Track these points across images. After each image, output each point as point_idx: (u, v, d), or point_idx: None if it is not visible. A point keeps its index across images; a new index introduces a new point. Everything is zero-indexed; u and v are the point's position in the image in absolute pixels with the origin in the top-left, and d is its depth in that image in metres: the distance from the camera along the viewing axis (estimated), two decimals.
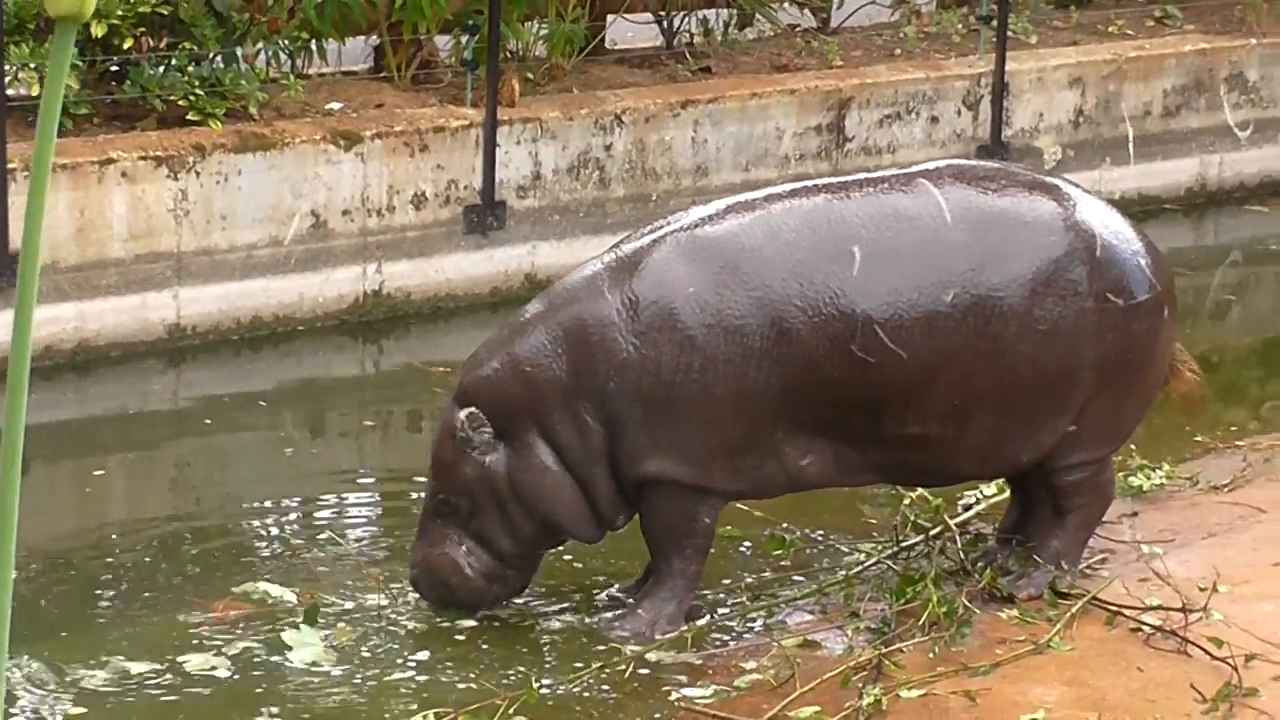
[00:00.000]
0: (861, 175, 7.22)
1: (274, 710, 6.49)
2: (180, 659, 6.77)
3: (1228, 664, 6.47)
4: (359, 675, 6.70)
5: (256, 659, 6.77)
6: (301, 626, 6.89)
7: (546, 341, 6.86)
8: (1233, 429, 9.14)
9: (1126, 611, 6.90)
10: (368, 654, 6.84)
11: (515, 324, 7.02)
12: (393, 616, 7.09)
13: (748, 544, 7.67)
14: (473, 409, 6.84)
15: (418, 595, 7.08)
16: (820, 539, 7.75)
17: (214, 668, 6.72)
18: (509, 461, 6.87)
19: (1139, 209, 12.52)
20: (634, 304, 6.82)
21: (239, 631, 6.96)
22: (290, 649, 6.80)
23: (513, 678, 6.65)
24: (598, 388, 6.80)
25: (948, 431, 6.89)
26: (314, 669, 6.71)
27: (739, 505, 7.39)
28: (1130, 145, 13.22)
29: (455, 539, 6.93)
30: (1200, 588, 6.94)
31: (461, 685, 6.64)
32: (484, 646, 6.90)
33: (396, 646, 6.89)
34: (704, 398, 6.78)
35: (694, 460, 6.83)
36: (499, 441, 6.88)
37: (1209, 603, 6.83)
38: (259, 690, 6.61)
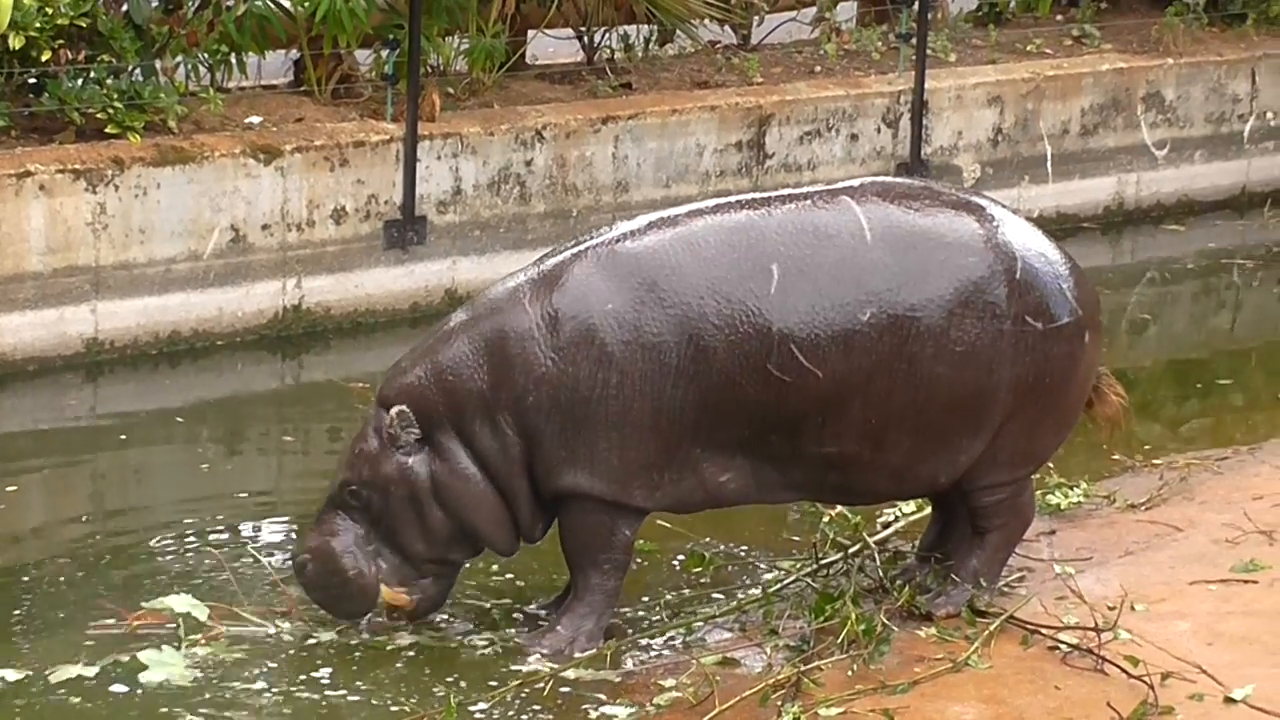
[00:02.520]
0: (785, 191, 7.22)
1: None
2: (71, 669, 6.75)
3: (1144, 682, 6.51)
4: (268, 694, 6.66)
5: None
6: (164, 647, 6.83)
7: (468, 351, 6.87)
8: (1147, 448, 9.20)
9: (1044, 630, 6.93)
10: (278, 672, 6.80)
11: (439, 333, 7.03)
12: (305, 634, 7.04)
13: (667, 560, 7.67)
14: (403, 408, 6.84)
15: (300, 584, 6.99)
16: (740, 556, 7.76)
17: (93, 679, 6.69)
18: (432, 464, 6.87)
19: (1057, 227, 12.60)
20: (554, 319, 6.82)
21: (142, 646, 6.91)
22: (146, 668, 6.74)
23: (431, 695, 6.62)
24: (517, 400, 6.81)
25: (865, 451, 6.91)
26: (224, 686, 6.66)
27: (659, 521, 7.40)
28: (1049, 164, 13.31)
29: (361, 534, 6.90)
30: (1111, 606, 6.98)
31: (376, 703, 6.61)
32: (400, 664, 6.87)
33: (308, 665, 6.85)
34: (621, 414, 6.78)
35: (611, 476, 6.83)
36: (422, 444, 6.87)
37: (1119, 620, 6.86)
38: (162, 709, 6.57)
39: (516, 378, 6.81)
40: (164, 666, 6.76)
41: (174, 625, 7.00)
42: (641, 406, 6.78)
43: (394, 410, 6.86)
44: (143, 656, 6.79)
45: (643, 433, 6.80)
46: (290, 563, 7.11)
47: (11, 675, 6.76)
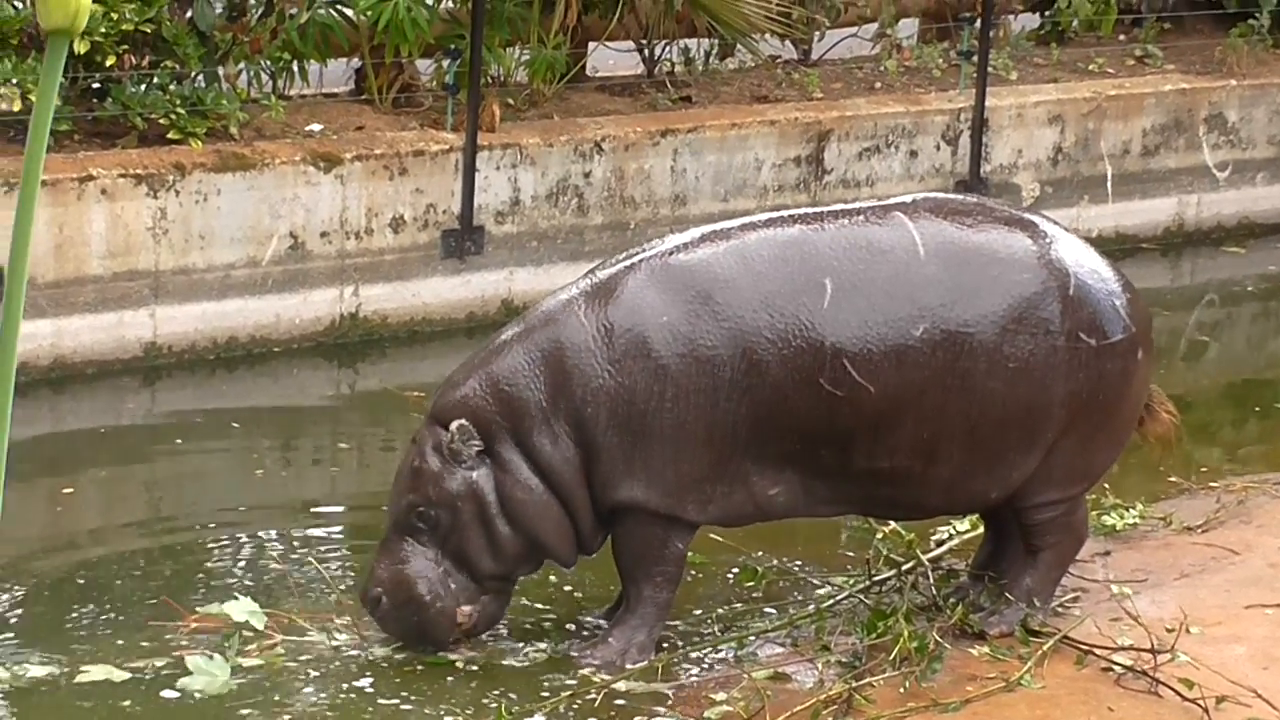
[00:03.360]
0: (837, 206, 7.22)
1: None
2: (100, 670, 6.78)
3: (1198, 705, 6.47)
4: (322, 703, 6.67)
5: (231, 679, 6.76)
6: (215, 656, 6.83)
7: (524, 362, 6.85)
8: (1204, 470, 9.15)
9: (1098, 651, 6.90)
10: (332, 681, 6.80)
11: (492, 346, 7.02)
12: (358, 643, 7.05)
13: (719, 574, 7.66)
14: (463, 422, 6.81)
15: (376, 620, 6.95)
16: (792, 571, 7.75)
17: (122, 682, 6.72)
18: (496, 477, 6.84)
19: (1116, 248, 12.56)
20: (609, 331, 6.81)
21: (191, 650, 6.93)
22: (187, 674, 6.75)
23: (482, 706, 6.62)
24: (575, 411, 6.80)
25: (916, 466, 6.89)
26: (266, 696, 6.67)
27: (712, 534, 7.38)
28: (1109, 184, 13.26)
29: (430, 557, 6.87)
30: (1171, 629, 6.94)
31: (429, 712, 6.61)
32: (452, 675, 6.87)
33: (359, 675, 6.85)
34: (675, 427, 6.77)
35: (665, 489, 6.82)
36: (484, 457, 6.85)
37: (1177, 643, 6.83)
38: (213, 706, 6.59)
39: (574, 389, 6.80)
40: (206, 675, 6.74)
41: (229, 631, 7.01)
42: (695, 420, 6.78)
43: (454, 425, 6.80)
44: (190, 662, 6.80)
45: (696, 446, 6.80)
46: (362, 593, 6.96)
47: (39, 672, 6.78)
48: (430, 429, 6.90)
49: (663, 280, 6.86)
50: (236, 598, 7.17)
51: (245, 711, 6.56)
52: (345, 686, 6.76)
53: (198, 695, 6.66)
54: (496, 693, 6.71)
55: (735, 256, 6.87)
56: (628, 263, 6.99)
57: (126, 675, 6.77)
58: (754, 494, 6.89)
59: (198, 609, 7.24)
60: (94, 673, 6.78)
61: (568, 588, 7.50)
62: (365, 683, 6.79)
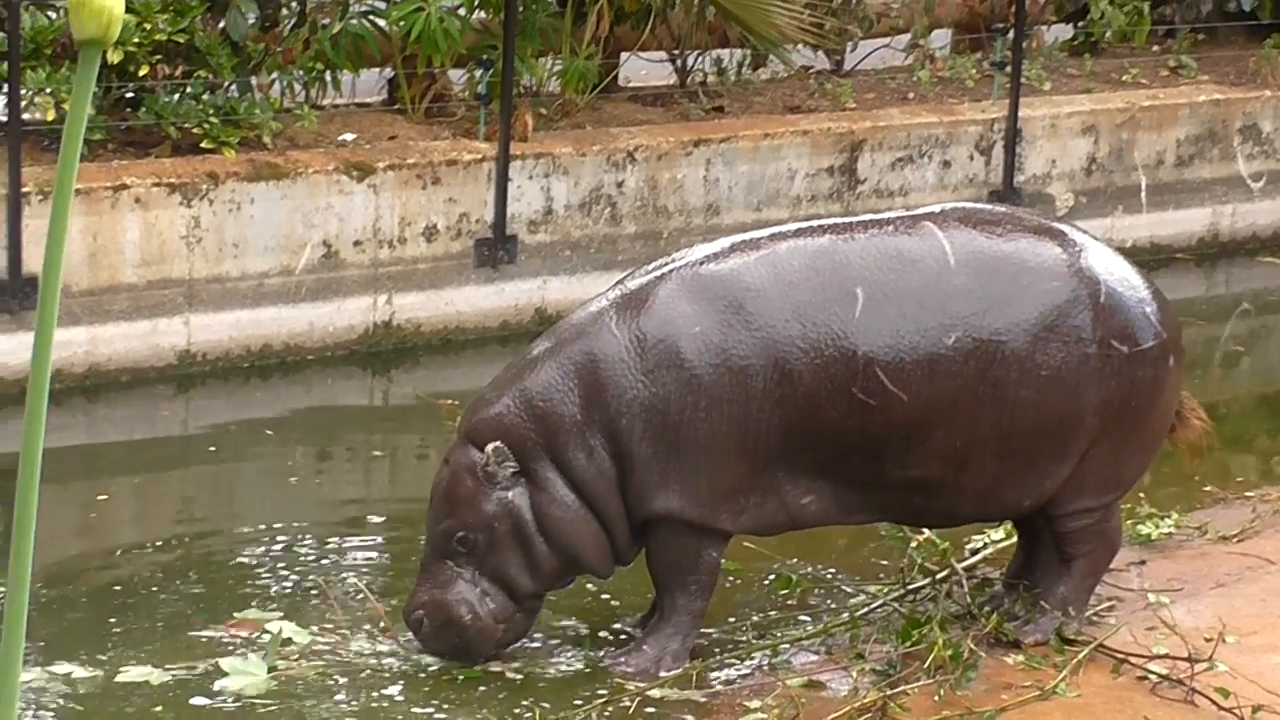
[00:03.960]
0: (867, 217, 7.22)
1: None
2: (139, 670, 6.82)
3: (1234, 714, 6.45)
4: (356, 711, 6.67)
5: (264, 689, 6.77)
6: (250, 656, 6.86)
7: (557, 376, 6.84)
8: (1239, 480, 9.12)
9: (1133, 659, 6.87)
10: (367, 689, 6.80)
11: (522, 362, 7.00)
12: (394, 650, 7.06)
13: (754, 582, 7.65)
14: (498, 444, 6.79)
15: (419, 641, 6.96)
16: (827, 579, 7.74)
17: (161, 684, 6.75)
18: (532, 496, 6.83)
19: (1151, 258, 12.53)
20: (641, 342, 6.80)
21: (228, 655, 6.95)
22: (224, 675, 6.78)
23: (517, 715, 6.62)
24: (610, 423, 6.79)
25: (948, 475, 6.88)
26: (299, 701, 6.68)
27: (746, 543, 7.37)
28: (1143, 194, 13.23)
29: (468, 579, 6.87)
30: (1207, 638, 6.92)
31: (462, 719, 6.61)
32: (487, 684, 6.87)
33: (397, 683, 6.86)
34: (709, 437, 6.77)
35: (699, 499, 6.81)
36: (519, 476, 6.84)
37: (1215, 652, 6.80)
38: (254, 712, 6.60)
39: (609, 401, 6.79)
40: (243, 675, 6.78)
41: (267, 636, 7.02)
42: (729, 430, 6.77)
43: (489, 448, 6.77)
44: (226, 664, 6.82)
45: (729, 456, 6.79)
46: (405, 615, 6.98)
47: (81, 673, 6.81)
48: (463, 449, 6.87)
49: (694, 290, 6.85)
50: (271, 608, 7.18)
51: (266, 712, 6.56)
52: (380, 695, 6.76)
53: (233, 698, 6.67)
54: (530, 701, 6.70)
55: (766, 266, 6.86)
56: (658, 273, 6.98)
57: (166, 678, 6.79)
58: (786, 503, 6.88)
59: (234, 614, 7.25)
60: (133, 674, 6.80)
61: (605, 595, 7.49)
62: (400, 691, 6.79)
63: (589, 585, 7.43)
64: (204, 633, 7.15)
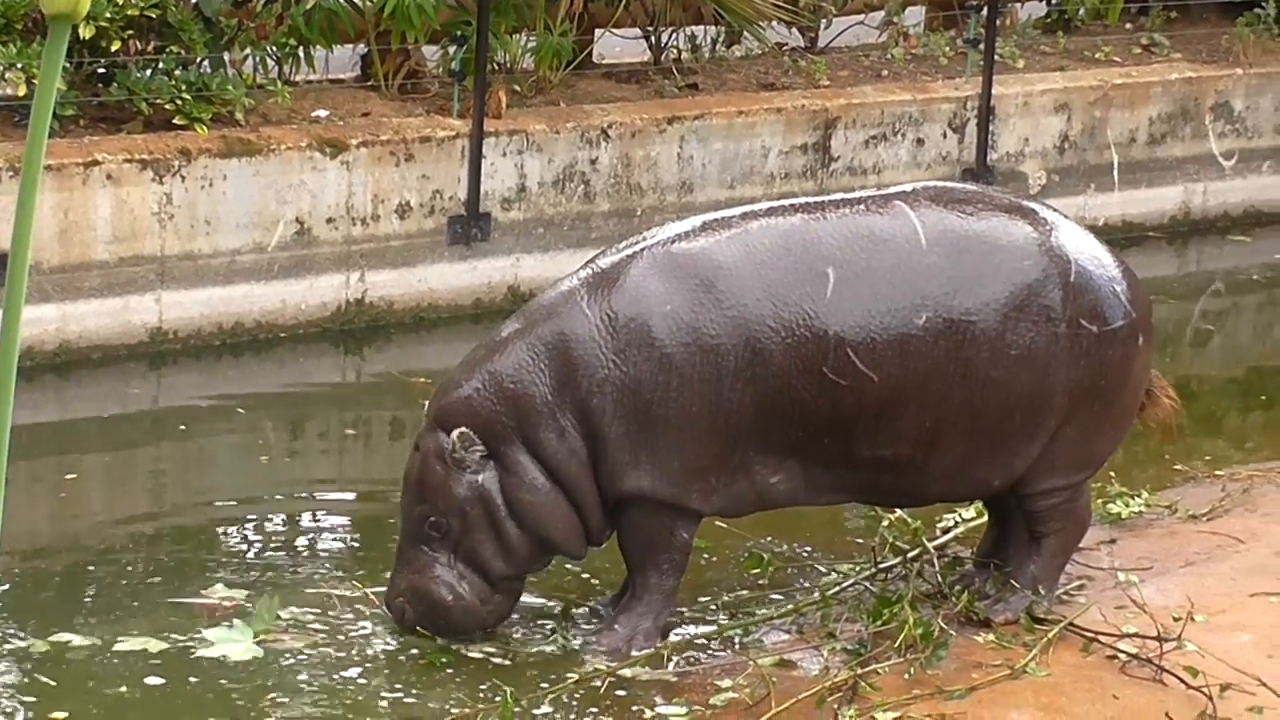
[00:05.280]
0: (838, 196, 7.23)
1: (240, 716, 6.47)
2: (137, 641, 6.86)
3: (1203, 693, 6.48)
4: (330, 688, 6.67)
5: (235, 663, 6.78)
6: (235, 622, 6.88)
7: (528, 358, 6.83)
8: (1208, 459, 9.15)
9: (1103, 638, 6.90)
10: (339, 667, 6.81)
11: (492, 343, 6.99)
12: (364, 629, 7.06)
13: (726, 561, 7.67)
14: (464, 429, 6.79)
15: (404, 626, 6.96)
16: (798, 558, 7.75)
17: (158, 653, 6.78)
18: (502, 479, 6.83)
19: (1122, 236, 12.55)
20: (613, 321, 6.80)
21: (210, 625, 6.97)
22: (211, 644, 6.81)
23: (488, 695, 6.63)
24: (581, 403, 6.79)
25: (918, 454, 6.89)
26: (290, 683, 6.69)
27: (719, 522, 7.38)
28: (1115, 172, 13.25)
29: (445, 562, 6.87)
30: (1176, 617, 6.94)
31: (434, 700, 6.61)
32: (458, 663, 6.87)
33: (368, 660, 6.86)
34: (680, 416, 6.77)
35: (671, 478, 6.82)
36: (488, 459, 6.84)
37: (1184, 631, 6.83)
38: (227, 696, 6.60)
39: (580, 381, 6.79)
40: (228, 642, 6.80)
41: (249, 605, 7.05)
42: (700, 409, 6.77)
43: (455, 434, 6.77)
44: (210, 634, 6.84)
45: (701, 435, 6.79)
46: (386, 603, 7.01)
47: (79, 641, 6.83)
48: (432, 434, 6.86)
49: (665, 269, 6.85)
50: (240, 585, 7.19)
51: (242, 703, 6.55)
52: (352, 676, 6.76)
53: (222, 662, 6.69)
54: (502, 681, 6.71)
55: (738, 245, 6.86)
56: (629, 252, 6.97)
57: (143, 647, 6.81)
58: (755, 483, 6.89)
59: (202, 591, 7.25)
60: (129, 643, 6.81)
61: (581, 575, 7.49)
62: (372, 672, 6.79)
63: (566, 565, 7.44)
64: (181, 608, 7.14)
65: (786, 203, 7.17)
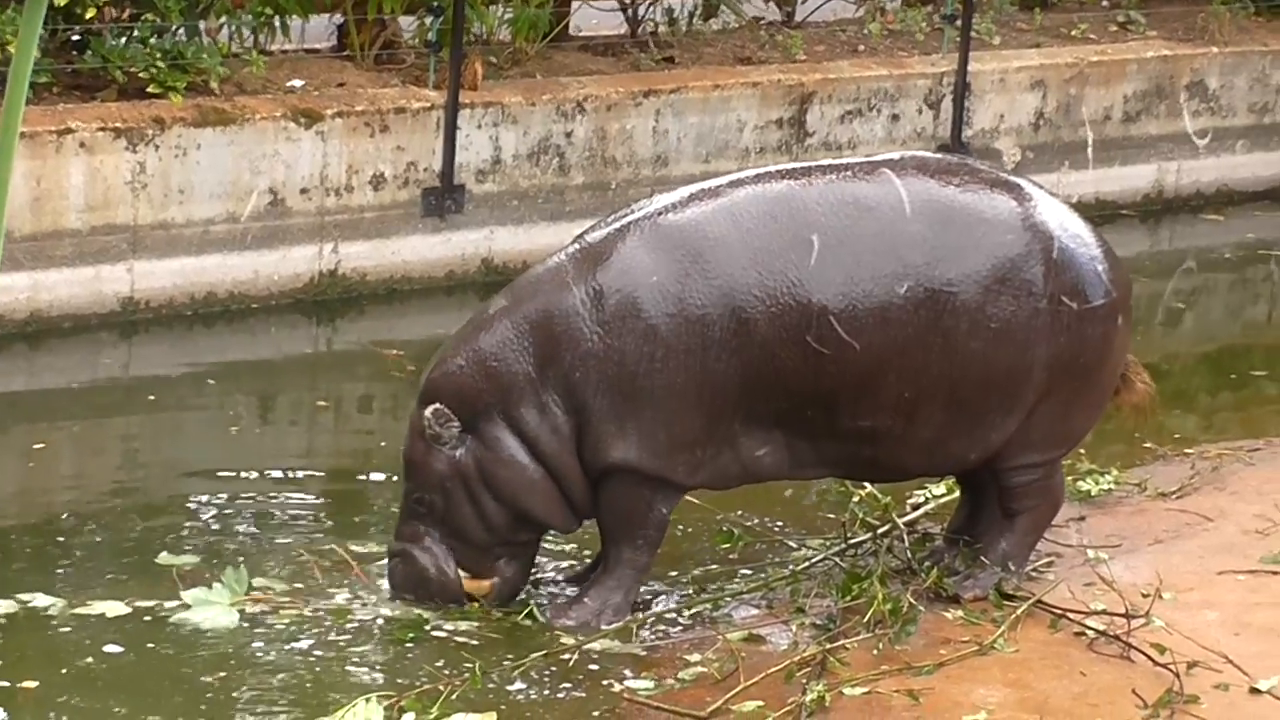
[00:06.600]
0: (826, 162, 7.21)
1: (206, 688, 6.46)
2: (103, 604, 6.87)
3: (1170, 670, 6.50)
4: (297, 658, 6.67)
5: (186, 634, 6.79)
6: (215, 585, 6.90)
7: (513, 335, 6.84)
8: (1178, 437, 9.18)
9: (1071, 615, 6.92)
10: (307, 638, 6.80)
11: (479, 319, 7.00)
12: (334, 600, 7.06)
13: (696, 536, 7.67)
14: (437, 405, 6.81)
15: (396, 594, 7.03)
16: (768, 533, 7.76)
17: (127, 615, 6.80)
18: (479, 454, 6.84)
19: (1096, 213, 12.55)
20: (599, 294, 6.80)
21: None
22: (189, 606, 6.83)
23: (458, 668, 6.63)
24: (564, 377, 6.79)
25: (898, 425, 6.90)
26: (258, 653, 6.69)
27: (689, 497, 7.39)
28: (1089, 149, 13.26)
29: (433, 536, 6.92)
30: (1144, 594, 6.97)
31: (403, 674, 6.61)
32: (428, 636, 6.87)
33: (336, 632, 6.86)
34: (667, 388, 6.77)
35: (656, 450, 6.82)
36: (467, 435, 6.85)
37: (1151, 608, 6.86)
38: (197, 663, 6.60)
39: (564, 355, 6.79)
40: (208, 604, 6.82)
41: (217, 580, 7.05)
42: (686, 380, 6.77)
43: (428, 411, 6.81)
44: (187, 596, 6.87)
45: (687, 407, 6.79)
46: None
47: (47, 609, 6.85)
48: (418, 411, 6.92)
49: (652, 241, 6.85)
50: (207, 555, 7.19)
51: (207, 677, 6.54)
52: (320, 647, 6.76)
53: (190, 630, 6.70)
54: (470, 654, 6.71)
55: (724, 214, 6.86)
56: (617, 225, 6.96)
57: (128, 611, 6.82)
58: (741, 455, 6.90)
59: (165, 555, 7.27)
60: (97, 606, 6.82)
61: (558, 549, 7.49)
62: (340, 644, 6.79)
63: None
64: (146, 573, 7.14)
65: (774, 169, 7.15)
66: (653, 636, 6.91)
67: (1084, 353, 7.01)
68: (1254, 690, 6.47)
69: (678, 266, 6.79)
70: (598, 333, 6.77)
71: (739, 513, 7.76)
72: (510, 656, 6.68)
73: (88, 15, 10.03)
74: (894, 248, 6.80)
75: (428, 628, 6.89)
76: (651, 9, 12.61)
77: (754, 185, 6.96)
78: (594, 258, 6.86)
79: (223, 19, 10.89)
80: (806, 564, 7.38)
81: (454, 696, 6.32)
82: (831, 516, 7.88)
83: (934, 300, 6.82)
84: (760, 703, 6.31)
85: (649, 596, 7.16)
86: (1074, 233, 7.04)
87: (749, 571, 7.43)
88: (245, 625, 6.83)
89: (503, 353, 6.82)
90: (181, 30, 10.46)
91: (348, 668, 6.65)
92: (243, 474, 8.35)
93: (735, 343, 6.76)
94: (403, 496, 7.03)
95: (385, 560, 7.15)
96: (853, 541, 7.48)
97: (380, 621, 6.94)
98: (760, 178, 7.02)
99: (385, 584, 7.11)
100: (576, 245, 6.99)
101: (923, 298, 6.81)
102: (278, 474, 8.39)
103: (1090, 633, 6.83)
